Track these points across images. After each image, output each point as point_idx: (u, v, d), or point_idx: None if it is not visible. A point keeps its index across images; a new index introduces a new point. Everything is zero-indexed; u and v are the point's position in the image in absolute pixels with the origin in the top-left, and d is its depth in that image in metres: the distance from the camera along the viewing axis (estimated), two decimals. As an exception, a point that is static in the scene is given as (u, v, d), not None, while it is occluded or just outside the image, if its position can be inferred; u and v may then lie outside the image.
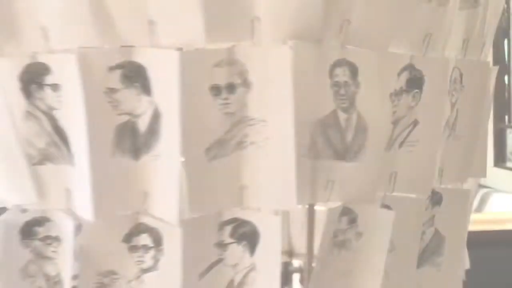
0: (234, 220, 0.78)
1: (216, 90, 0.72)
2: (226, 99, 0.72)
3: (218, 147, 0.74)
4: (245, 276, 0.79)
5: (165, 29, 0.70)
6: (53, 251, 0.82)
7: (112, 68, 0.72)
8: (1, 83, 0.76)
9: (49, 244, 0.82)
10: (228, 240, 0.78)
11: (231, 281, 0.80)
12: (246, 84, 0.72)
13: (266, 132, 0.74)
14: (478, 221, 2.76)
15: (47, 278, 0.84)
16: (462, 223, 0.96)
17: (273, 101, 0.72)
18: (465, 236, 0.98)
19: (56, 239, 0.82)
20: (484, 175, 1.03)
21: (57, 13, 0.71)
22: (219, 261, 0.79)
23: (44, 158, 0.78)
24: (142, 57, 0.71)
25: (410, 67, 0.82)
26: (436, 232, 0.93)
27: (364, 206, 0.80)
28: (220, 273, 0.79)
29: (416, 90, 0.83)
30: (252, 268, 0.79)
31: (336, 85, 0.74)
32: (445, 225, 0.93)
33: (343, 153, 0.77)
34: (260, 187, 0.76)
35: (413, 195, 0.87)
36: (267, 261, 0.78)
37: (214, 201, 0.76)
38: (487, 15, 0.93)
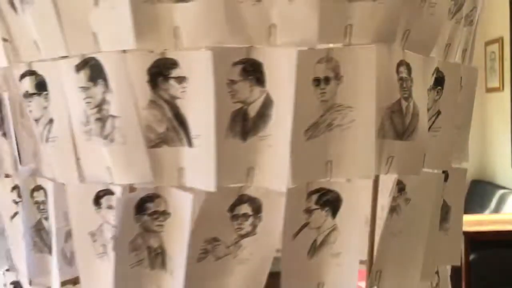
0: (320, 190, 0.95)
1: (317, 81, 0.90)
2: (323, 89, 0.90)
3: (313, 128, 0.91)
4: (327, 236, 0.96)
5: (283, 32, 0.86)
6: (158, 225, 0.94)
7: (235, 64, 0.87)
8: (129, 76, 0.88)
9: (156, 218, 0.94)
10: (314, 206, 0.95)
11: (315, 241, 0.97)
12: (337, 77, 0.91)
13: (351, 116, 0.92)
14: (496, 222, 3.03)
15: (149, 250, 0.95)
16: (462, 196, 1.21)
17: (359, 91, 0.91)
18: (463, 207, 1.23)
19: (163, 213, 0.93)
20: (467, 160, 1.28)
21: (192, 16, 0.85)
22: (306, 224, 0.96)
23: (161, 141, 0.91)
24: (260, 55, 0.87)
25: (437, 69, 1.05)
26: (444, 203, 1.17)
27: (411, 177, 1.01)
28: (306, 234, 0.96)
29: (439, 87, 1.07)
30: (334, 229, 0.96)
31: (401, 79, 0.95)
32: (451, 197, 1.17)
33: (401, 134, 0.98)
34: (343, 161, 0.94)
35: (436, 171, 1.10)
36: (348, 222, 0.96)
37: (308, 174, 0.93)
38: (476, 32, 1.20)
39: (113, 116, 0.90)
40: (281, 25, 0.86)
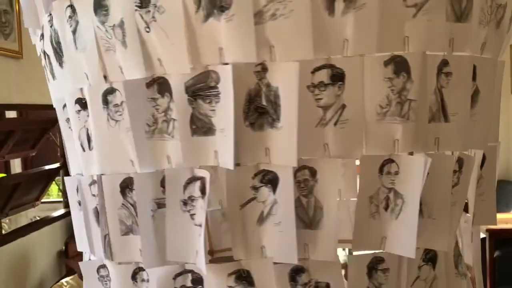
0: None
1: None
2: None
3: None
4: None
5: (488, 47, 1.33)
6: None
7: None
8: (427, 70, 1.20)
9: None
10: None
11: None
12: None
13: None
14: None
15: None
16: None
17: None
18: None
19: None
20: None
21: (422, 28, 1.21)
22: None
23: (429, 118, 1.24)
24: (476, 60, 1.32)
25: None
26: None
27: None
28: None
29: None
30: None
31: None
32: None
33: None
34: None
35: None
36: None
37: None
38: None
39: (411, 100, 1.20)
40: (488, 43, 1.34)
